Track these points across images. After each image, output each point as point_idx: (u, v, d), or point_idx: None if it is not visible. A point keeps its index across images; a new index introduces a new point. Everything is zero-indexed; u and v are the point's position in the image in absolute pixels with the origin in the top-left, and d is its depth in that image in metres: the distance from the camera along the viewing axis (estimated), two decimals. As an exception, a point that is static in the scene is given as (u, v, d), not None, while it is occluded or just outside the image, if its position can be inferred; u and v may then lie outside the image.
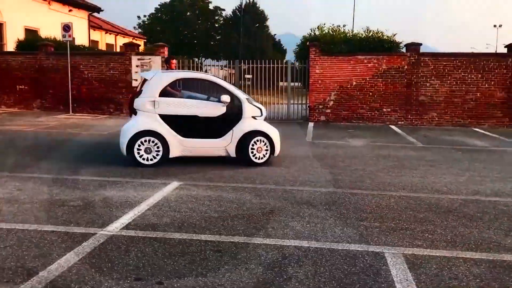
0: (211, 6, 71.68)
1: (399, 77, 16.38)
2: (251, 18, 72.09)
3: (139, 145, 7.99)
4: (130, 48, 17.76)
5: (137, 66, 17.47)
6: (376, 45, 16.41)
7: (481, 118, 16.29)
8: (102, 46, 31.73)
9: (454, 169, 8.42)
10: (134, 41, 27.68)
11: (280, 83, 18.28)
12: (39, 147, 10.13)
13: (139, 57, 17.51)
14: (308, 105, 17.10)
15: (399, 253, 4.32)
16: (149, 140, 8.00)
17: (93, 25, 30.76)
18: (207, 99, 8.32)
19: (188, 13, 70.50)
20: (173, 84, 8.27)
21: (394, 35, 16.69)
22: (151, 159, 8.03)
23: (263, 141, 8.37)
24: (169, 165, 8.05)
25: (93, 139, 11.36)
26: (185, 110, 8.14)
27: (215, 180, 7.14)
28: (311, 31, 17.76)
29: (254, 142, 8.29)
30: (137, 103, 8.11)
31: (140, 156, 8.01)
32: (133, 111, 8.18)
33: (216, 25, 75.17)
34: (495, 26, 79.72)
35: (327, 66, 16.62)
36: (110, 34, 34.57)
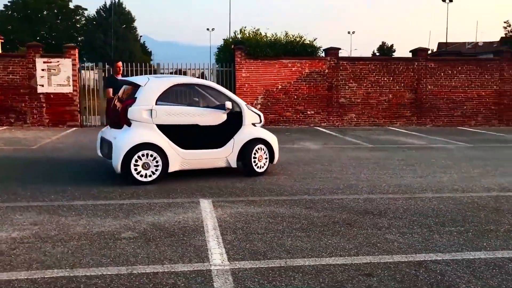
0: (71, 5, 67.04)
1: (321, 81, 16.96)
2: (118, 19, 69.22)
3: (136, 160, 7.05)
4: (34, 49, 15.67)
5: (42, 70, 15.52)
6: (300, 49, 16.78)
7: (393, 118, 17.61)
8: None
9: (436, 168, 8.91)
10: None
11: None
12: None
13: (45, 59, 15.57)
14: (234, 109, 16.82)
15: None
16: (147, 154, 7.10)
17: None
18: (207, 107, 7.67)
19: (45, 12, 65.16)
20: (168, 91, 7.44)
21: (315, 39, 17.25)
22: (150, 175, 7.14)
23: (263, 149, 7.97)
24: (165, 181, 7.25)
25: (28, 156, 9.78)
26: (185, 118, 7.39)
27: (240, 195, 6.59)
28: (234, 34, 17.53)
29: (256, 150, 7.86)
30: (132, 112, 7.13)
31: (138, 173, 7.07)
32: (126, 122, 7.18)
33: (78, 26, 70.68)
34: (349, 32, 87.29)
35: (253, 69, 16.53)
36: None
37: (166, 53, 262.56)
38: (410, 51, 18.39)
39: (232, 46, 16.68)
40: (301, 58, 16.79)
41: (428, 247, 4.56)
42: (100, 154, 8.05)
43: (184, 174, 7.61)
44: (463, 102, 17.93)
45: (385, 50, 74.77)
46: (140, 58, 59.87)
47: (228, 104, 7.53)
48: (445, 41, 64.26)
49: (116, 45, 64.32)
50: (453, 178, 7.92)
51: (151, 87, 7.28)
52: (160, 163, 7.16)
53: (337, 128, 16.53)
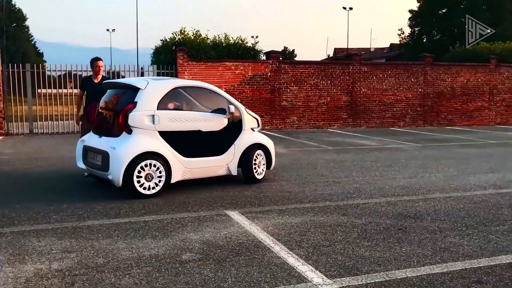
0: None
1: (264, 84, 16.88)
2: (7, 16, 63.94)
3: (139, 172, 6.35)
4: None
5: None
6: (243, 52, 16.55)
7: (331, 120, 18.05)
8: None
9: (415, 168, 9.18)
10: None
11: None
12: None
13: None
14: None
15: None
16: (150, 164, 6.44)
17: None
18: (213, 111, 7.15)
19: None
20: (168, 94, 6.79)
21: (256, 42, 17.11)
22: (153, 188, 6.48)
23: (261, 155, 7.64)
24: (166, 194, 6.66)
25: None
26: (188, 124, 6.82)
27: (261, 204, 6.21)
28: (173, 35, 16.79)
29: (256, 156, 7.50)
30: (134, 118, 6.41)
31: (141, 185, 6.38)
32: (127, 129, 6.43)
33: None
34: (252, 37, 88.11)
35: (196, 72, 15.98)
36: None
37: (59, 55, 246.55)
38: (346, 55, 18.99)
39: (174, 48, 15.98)
40: (244, 61, 16.58)
41: (499, 248, 4.59)
42: (82, 166, 7.17)
43: (174, 186, 6.98)
44: (393, 104, 18.91)
45: (287, 55, 76.97)
46: (35, 60, 55.61)
47: (232, 108, 7.10)
48: (345, 46, 67.96)
49: (6, 46, 59.30)
50: (441, 178, 8.19)
51: (152, 90, 6.61)
52: (163, 173, 6.53)
53: (282, 131, 16.55)
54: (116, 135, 6.55)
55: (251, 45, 16.75)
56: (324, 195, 6.76)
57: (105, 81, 7.48)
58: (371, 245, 4.64)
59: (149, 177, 6.44)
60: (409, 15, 49.47)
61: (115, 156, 6.29)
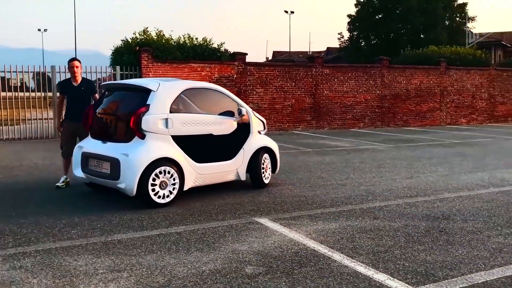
0: None
1: (230, 86, 16.59)
2: None
3: (153, 179, 5.93)
4: None
5: None
6: (210, 53, 16.17)
7: (296, 122, 18.08)
8: None
9: (404, 169, 9.30)
10: None
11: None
12: None
13: None
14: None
15: None
16: (165, 171, 6.03)
17: None
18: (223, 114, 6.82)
19: None
20: (180, 96, 6.39)
21: (222, 43, 16.78)
22: (167, 196, 6.07)
23: (268, 159, 7.41)
24: (177, 203, 6.29)
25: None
26: (201, 128, 6.47)
27: (287, 210, 5.98)
28: (135, 35, 16.09)
29: (263, 160, 7.26)
30: (148, 122, 5.96)
31: (155, 194, 5.96)
32: (140, 134, 5.96)
33: None
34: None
35: (161, 73, 15.42)
36: None
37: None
38: (306, 58, 19.10)
39: (137, 48, 15.32)
40: (210, 63, 16.21)
41: (547, 246, 4.66)
42: (80, 174, 6.60)
43: (183, 193, 6.58)
44: (353, 106, 19.25)
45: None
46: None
47: (244, 111, 6.83)
48: (283, 49, 68.89)
49: None
50: (437, 178, 8.32)
51: (164, 92, 6.20)
52: (177, 180, 6.14)
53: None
54: (126, 140, 6.07)
55: (217, 46, 16.40)
56: (341, 199, 6.64)
57: (105, 83, 6.93)
58: (426, 248, 4.55)
59: (164, 184, 6.03)
60: (348, 19, 50.83)
61: (128, 163, 5.82)
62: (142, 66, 15.18)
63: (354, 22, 49.93)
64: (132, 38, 15.92)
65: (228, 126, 6.80)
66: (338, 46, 55.39)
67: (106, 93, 6.80)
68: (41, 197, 6.65)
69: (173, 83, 6.52)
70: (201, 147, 6.48)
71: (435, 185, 7.68)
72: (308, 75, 18.15)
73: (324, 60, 20.77)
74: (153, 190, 5.93)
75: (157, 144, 6.03)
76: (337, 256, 4.30)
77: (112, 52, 16.28)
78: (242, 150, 6.98)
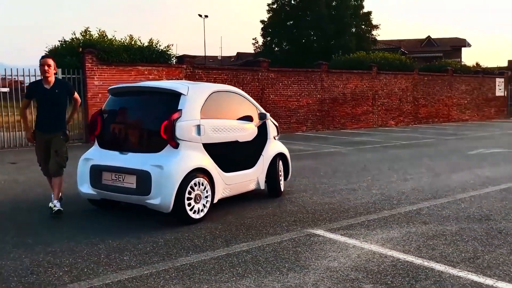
0: None
1: (178, 90, 15.85)
2: None
3: (189, 192, 5.32)
4: None
5: None
6: (158, 55, 15.33)
7: (244, 127, 17.74)
8: None
9: (390, 172, 9.41)
10: None
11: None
12: None
13: None
14: (87, 123, 14.23)
15: None
16: (199, 183, 5.44)
17: None
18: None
19: None
20: (208, 101, 5.80)
21: (169, 45, 16.00)
22: (201, 210, 5.49)
23: (281, 165, 7.05)
24: (207, 216, 5.75)
25: None
26: (228, 134, 5.95)
27: (331, 220, 5.68)
28: (74, 35, 14.77)
29: (280, 167, 6.89)
30: (182, 129, 5.31)
31: (191, 209, 5.35)
32: (174, 142, 5.30)
33: None
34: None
35: (107, 77, 14.33)
36: None
37: None
38: (255, 61, 18.89)
39: (80, 49, 14.08)
40: (158, 66, 15.37)
41: None
42: (89, 191, 5.76)
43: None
44: (297, 110, 19.38)
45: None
46: None
47: (268, 115, 6.42)
48: (192, 54, 68.08)
49: None
50: (431, 179, 8.48)
51: (194, 96, 5.59)
52: (209, 192, 5.58)
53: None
54: (155, 150, 5.38)
55: (165, 49, 15.60)
56: (368, 204, 6.45)
57: (116, 87, 6.08)
58: (505, 252, 4.50)
59: (198, 198, 5.44)
60: (261, 25, 51.51)
61: (163, 176, 5.15)
62: (86, 69, 13.98)
63: (267, 28, 50.76)
64: (72, 39, 14.63)
65: (250, 132, 6.35)
66: (249, 52, 55.99)
67: (115, 98, 6.01)
68: (42, 218, 5.70)
69: (201, 86, 5.94)
70: (228, 155, 5.97)
71: (437, 186, 7.79)
72: (255, 79, 17.95)
73: (238, 65, 20.64)
74: (189, 204, 5.33)
75: (190, 153, 5.42)
76: (438, 266, 4.09)
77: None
78: (261, 157, 6.56)
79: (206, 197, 5.54)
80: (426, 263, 4.17)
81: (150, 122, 5.57)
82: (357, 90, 21.58)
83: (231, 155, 6.01)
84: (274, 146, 6.83)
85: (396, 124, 23.34)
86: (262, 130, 6.62)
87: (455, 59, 49.91)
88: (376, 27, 52.88)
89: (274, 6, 51.46)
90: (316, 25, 48.69)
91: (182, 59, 16.12)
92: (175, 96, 5.51)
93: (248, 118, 6.46)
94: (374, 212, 6.03)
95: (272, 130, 6.83)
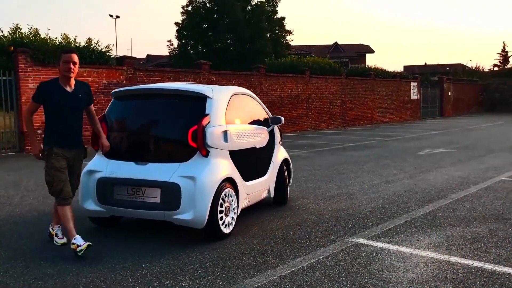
0: None
1: (120, 93, 14.86)
2: None
3: (221, 205, 4.84)
4: None
5: None
6: (98, 56, 14.23)
7: (186, 132, 17.09)
8: None
9: (376, 172, 9.46)
10: None
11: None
12: None
13: None
14: (21, 130, 12.80)
15: None
16: (228, 194, 4.97)
17: None
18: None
19: None
20: (229, 104, 5.30)
21: (108, 45, 14.93)
22: (231, 223, 5.03)
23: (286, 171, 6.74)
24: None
25: None
26: (249, 140, 5.53)
27: (361, 227, 5.47)
28: (2, 32, 13.24)
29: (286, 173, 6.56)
30: (212, 136, 4.79)
31: (223, 223, 4.87)
32: (205, 150, 4.75)
33: None
34: None
35: (43, 79, 12.94)
36: None
37: None
38: (194, 64, 18.25)
39: (12, 48, 12.63)
40: (98, 67, 14.27)
41: None
42: (95, 207, 5.04)
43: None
44: (237, 114, 19.03)
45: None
46: None
47: (282, 120, 6.09)
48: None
49: None
50: (410, 180, 8.64)
51: (219, 99, 5.10)
52: (236, 204, 5.14)
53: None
54: (182, 159, 4.81)
55: (104, 50, 14.54)
56: (384, 208, 6.36)
57: (123, 89, 5.33)
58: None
59: (227, 210, 4.97)
60: (175, 27, 50.57)
61: (196, 188, 4.61)
62: (19, 70, 12.59)
63: (181, 30, 49.90)
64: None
65: (264, 137, 5.97)
66: (160, 54, 54.67)
67: (120, 102, 5.31)
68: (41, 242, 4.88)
69: (222, 88, 5.45)
70: (248, 163, 5.54)
71: (424, 187, 7.91)
72: (196, 82, 17.34)
73: (148, 67, 19.90)
74: (221, 218, 4.84)
75: (220, 162, 4.93)
76: (511, 270, 4.04)
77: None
78: (272, 163, 6.21)
79: (234, 209, 5.09)
80: (496, 267, 4.11)
81: (172, 128, 4.99)
82: (292, 93, 21.78)
83: (250, 163, 5.59)
84: (280, 152, 6.50)
85: (327, 127, 23.90)
86: (271, 135, 6.26)
87: (361, 64, 52.48)
88: (290, 32, 54.00)
89: (189, 9, 50.72)
90: (232, 29, 48.68)
91: (123, 60, 15.14)
92: (200, 100, 4.98)
93: (261, 122, 6.08)
94: (394, 216, 5.93)
95: (277, 135, 6.50)
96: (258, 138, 5.78)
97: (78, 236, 4.39)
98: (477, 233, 5.17)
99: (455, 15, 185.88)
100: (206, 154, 4.80)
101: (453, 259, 4.32)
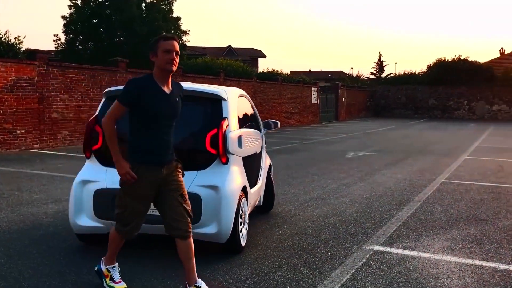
0: None
1: (31, 91, 13.42)
2: None
3: (240, 216, 4.46)
4: None
5: None
6: (7, 49, 12.64)
7: (102, 134, 15.92)
8: None
9: (341, 172, 9.53)
10: None
11: None
12: None
13: None
14: None
15: None
16: (243, 204, 4.61)
17: None
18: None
19: None
20: (238, 106, 4.89)
21: (19, 37, 13.33)
22: (245, 235, 4.67)
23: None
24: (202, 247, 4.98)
25: None
26: (253, 145, 5.18)
27: (370, 235, 5.41)
28: None
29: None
30: (231, 141, 4.36)
31: (242, 235, 4.50)
32: (225, 157, 4.30)
33: None
34: None
35: None
36: None
37: None
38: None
39: None
40: (6, 61, 12.66)
41: None
42: (91, 223, 4.37)
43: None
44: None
45: None
46: None
47: (278, 124, 5.83)
48: None
49: None
50: (365, 183, 8.86)
51: (232, 101, 4.69)
52: (247, 214, 4.79)
53: (55, 149, 13.53)
54: (199, 167, 4.33)
55: (14, 42, 12.95)
56: (370, 213, 6.39)
57: (119, 88, 4.66)
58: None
59: (244, 221, 4.61)
60: (62, 21, 47.32)
61: (220, 198, 4.19)
62: None
63: (69, 25, 46.82)
64: None
65: (260, 142, 5.67)
66: (44, 49, 50.73)
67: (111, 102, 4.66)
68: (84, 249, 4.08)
69: (230, 90, 5.00)
70: (251, 169, 5.21)
71: (385, 191, 8.13)
72: (113, 80, 16.25)
73: (63, 64, 18.59)
74: (241, 230, 4.47)
75: (236, 169, 4.55)
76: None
77: None
78: (262, 169, 5.92)
79: (246, 219, 4.73)
80: (522, 269, 4.28)
81: (184, 132, 4.48)
82: (207, 95, 21.39)
83: (252, 169, 5.26)
84: (266, 157, 6.23)
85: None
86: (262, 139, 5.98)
87: (253, 68, 53.59)
88: (186, 33, 53.31)
89: (78, 2, 47.73)
90: (126, 25, 46.78)
91: (34, 54, 13.62)
92: (216, 102, 4.54)
93: (257, 126, 5.78)
94: (384, 221, 5.97)
95: (264, 140, 6.23)
96: (257, 142, 5.47)
97: (117, 266, 3.74)
98: (473, 235, 5.39)
99: (339, 24, 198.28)
100: (226, 161, 4.39)
101: (479, 263, 4.43)
